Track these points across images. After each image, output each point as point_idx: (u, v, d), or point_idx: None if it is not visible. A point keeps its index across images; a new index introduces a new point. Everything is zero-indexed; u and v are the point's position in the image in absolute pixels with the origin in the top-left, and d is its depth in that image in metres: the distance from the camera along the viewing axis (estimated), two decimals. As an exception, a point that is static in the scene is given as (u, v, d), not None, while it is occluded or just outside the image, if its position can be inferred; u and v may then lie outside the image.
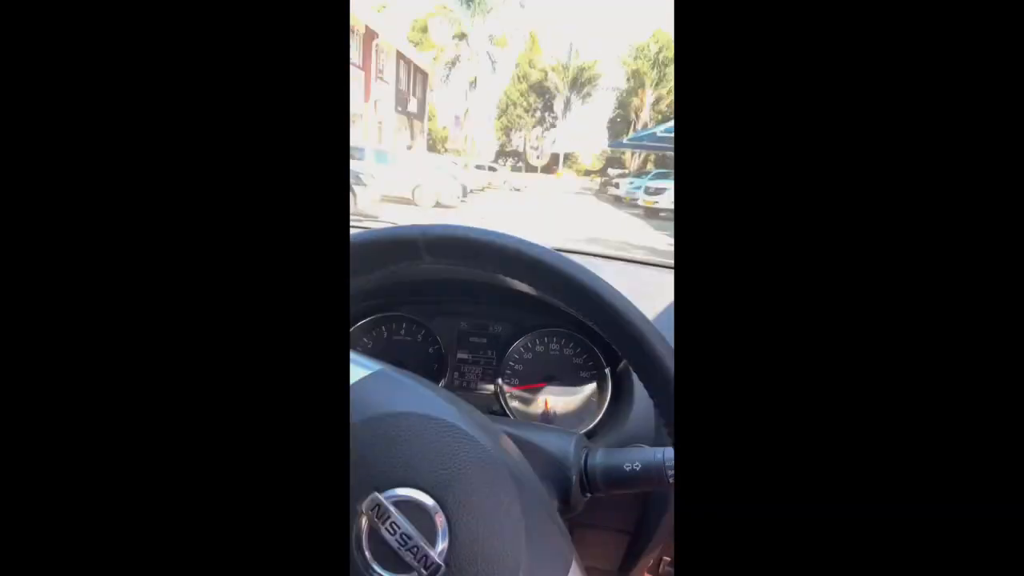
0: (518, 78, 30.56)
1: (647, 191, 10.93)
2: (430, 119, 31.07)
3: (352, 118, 15.40)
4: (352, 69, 15.23)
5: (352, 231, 0.33)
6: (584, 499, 0.36)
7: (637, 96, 26.42)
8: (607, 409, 0.60)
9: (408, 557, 0.26)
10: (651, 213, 10.68)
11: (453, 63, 25.05)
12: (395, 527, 0.26)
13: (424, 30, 25.11)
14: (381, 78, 17.35)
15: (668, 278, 0.72)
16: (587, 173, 30.80)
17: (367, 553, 0.27)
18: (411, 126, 21.52)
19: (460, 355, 0.66)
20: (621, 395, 0.59)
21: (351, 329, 0.64)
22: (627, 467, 0.35)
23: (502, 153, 32.05)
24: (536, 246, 0.33)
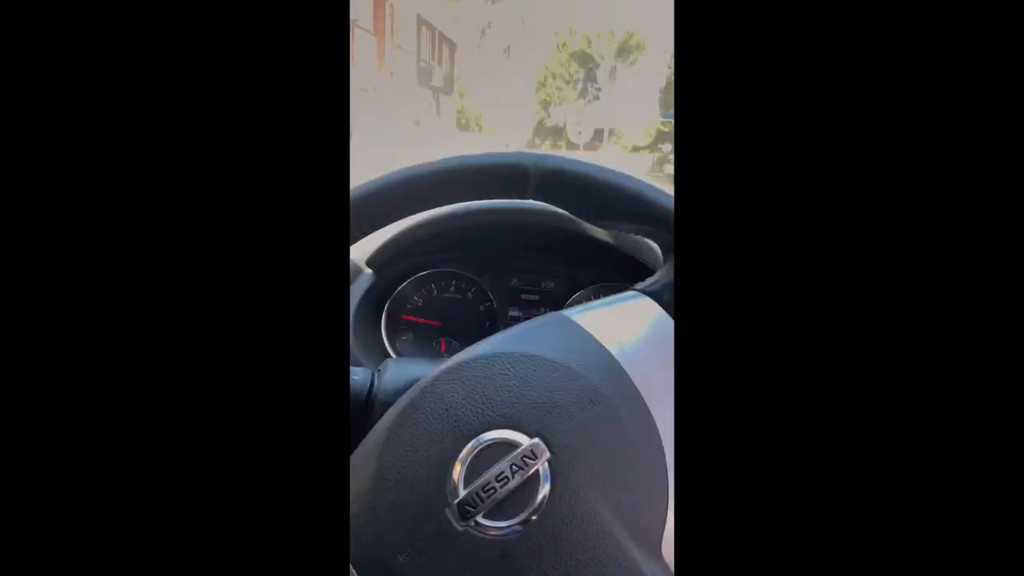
0: (557, 48, 27.75)
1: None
2: (461, 95, 28.84)
3: (360, 91, 13.30)
4: (361, 33, 12.94)
5: (449, 157, 0.33)
6: None
7: (694, 60, 23.24)
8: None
9: (507, 504, 0.25)
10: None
11: (483, 31, 22.49)
12: (495, 474, 0.26)
13: (453, -5, 22.70)
14: (399, 46, 15.03)
15: None
16: (635, 149, 27.76)
17: (465, 499, 0.26)
18: (436, 101, 19.22)
19: (512, 313, 0.65)
20: None
21: (401, 286, 0.63)
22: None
23: (540, 130, 29.42)
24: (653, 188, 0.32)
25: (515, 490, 0.25)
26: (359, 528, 0.26)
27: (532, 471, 0.26)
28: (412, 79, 16.06)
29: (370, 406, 0.34)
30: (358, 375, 0.35)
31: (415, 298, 0.65)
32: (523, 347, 0.29)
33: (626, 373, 0.28)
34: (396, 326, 0.65)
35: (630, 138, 29.19)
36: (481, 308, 0.65)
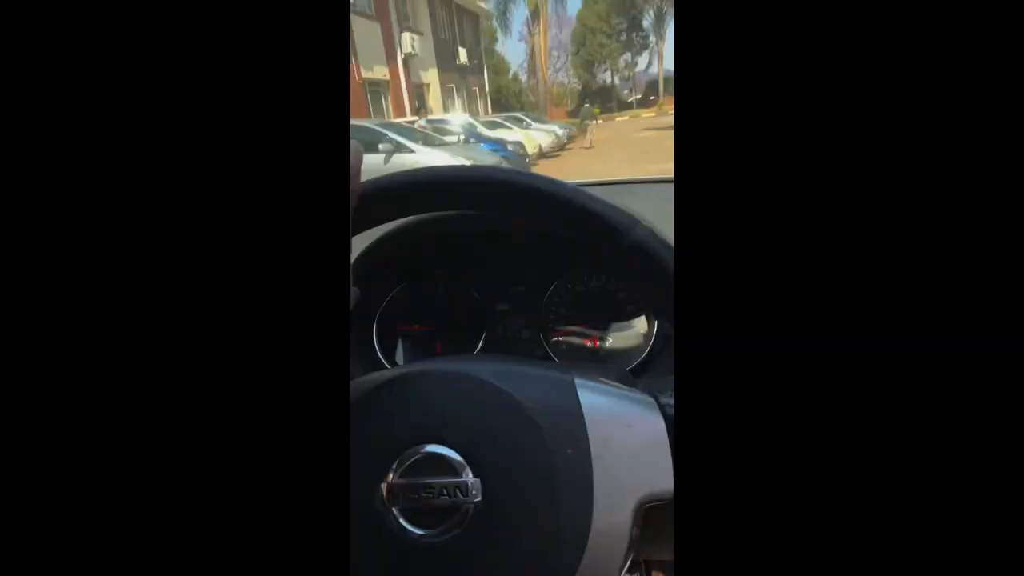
0: (593, -2, 24.88)
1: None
2: (496, 72, 26.74)
3: (374, 85, 11.67)
4: (362, 21, 11.21)
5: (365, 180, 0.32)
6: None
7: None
8: (655, 342, 0.59)
9: (441, 506, 0.27)
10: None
11: (507, -4, 20.19)
12: (423, 485, 0.27)
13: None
14: (410, 29, 13.21)
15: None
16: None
17: (396, 514, 0.27)
18: (466, 84, 17.30)
19: (500, 306, 0.65)
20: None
21: (390, 296, 0.64)
22: (662, 400, 0.33)
23: (587, 93, 26.76)
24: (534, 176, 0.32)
25: (443, 509, 0.27)
26: None
27: (463, 505, 0.27)
28: (431, 61, 14.27)
29: None
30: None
31: (405, 307, 0.64)
32: (505, 383, 0.30)
33: (590, 460, 0.28)
34: (391, 337, 0.64)
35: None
36: (469, 306, 0.64)
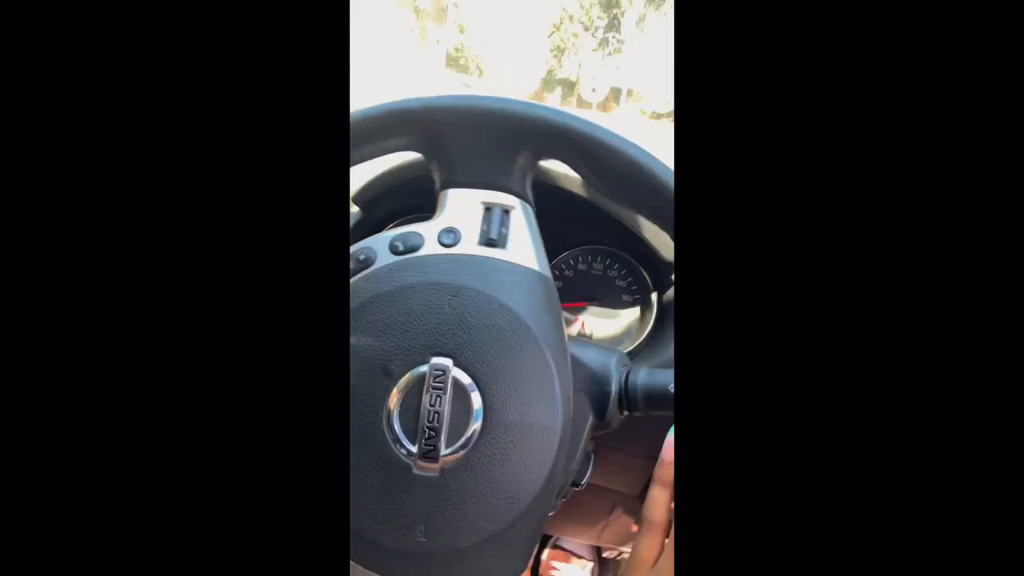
0: (580, -17, 23.47)
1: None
2: (461, 31, 24.69)
3: None
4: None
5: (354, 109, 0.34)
6: (621, 417, 0.35)
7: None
8: (650, 333, 0.57)
9: (443, 435, 0.27)
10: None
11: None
12: (429, 403, 0.28)
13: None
14: (368, -58, 11.12)
15: None
16: (656, 116, 23.95)
17: (396, 428, 0.28)
18: (421, 29, 15.33)
19: None
20: (665, 320, 0.55)
21: (391, 226, 0.62)
22: (670, 388, 0.34)
23: (549, 82, 25.45)
24: (588, 122, 0.32)
25: (451, 414, 0.28)
26: None
27: (450, 388, 0.28)
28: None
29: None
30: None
31: None
32: (442, 277, 0.30)
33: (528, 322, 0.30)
34: None
35: (651, 103, 25.30)
36: None
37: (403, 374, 0.28)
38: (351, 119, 0.33)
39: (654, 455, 0.35)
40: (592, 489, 0.57)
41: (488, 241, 0.33)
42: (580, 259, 0.60)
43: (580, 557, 1.00)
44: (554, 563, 0.99)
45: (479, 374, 0.29)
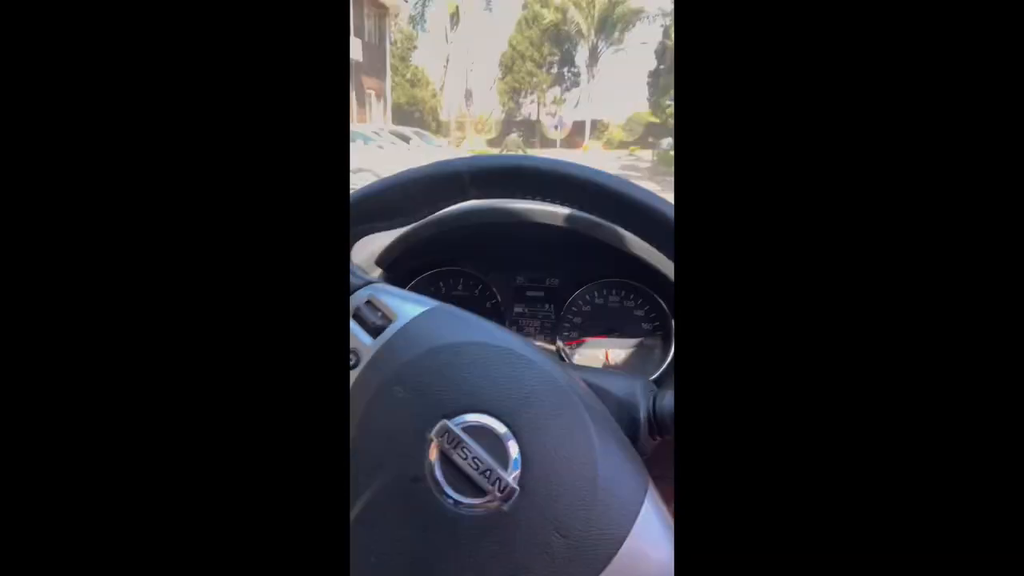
0: (526, 22, 23.00)
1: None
2: (415, 84, 23.95)
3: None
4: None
5: (394, 174, 0.36)
6: (653, 443, 0.35)
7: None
8: (672, 360, 0.59)
9: (482, 481, 0.27)
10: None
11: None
12: (467, 452, 0.27)
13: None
14: None
15: None
16: (622, 144, 23.10)
17: (440, 478, 0.27)
18: (361, 92, 14.20)
19: (517, 309, 0.67)
20: None
21: (409, 286, 0.66)
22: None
23: (512, 124, 24.63)
24: (581, 167, 0.33)
25: (486, 471, 0.27)
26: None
27: (501, 454, 0.27)
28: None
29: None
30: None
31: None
32: (501, 340, 0.31)
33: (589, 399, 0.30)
34: None
35: (613, 131, 24.62)
36: (488, 305, 0.66)
37: (441, 429, 0.28)
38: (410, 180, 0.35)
39: None
40: None
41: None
42: (596, 294, 0.63)
43: None
44: None
45: (514, 424, 0.28)
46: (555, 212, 0.55)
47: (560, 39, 22.98)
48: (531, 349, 0.31)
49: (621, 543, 0.27)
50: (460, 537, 0.27)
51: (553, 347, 0.64)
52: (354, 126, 8.91)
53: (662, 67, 21.91)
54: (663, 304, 0.60)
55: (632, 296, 0.62)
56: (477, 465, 0.27)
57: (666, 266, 0.53)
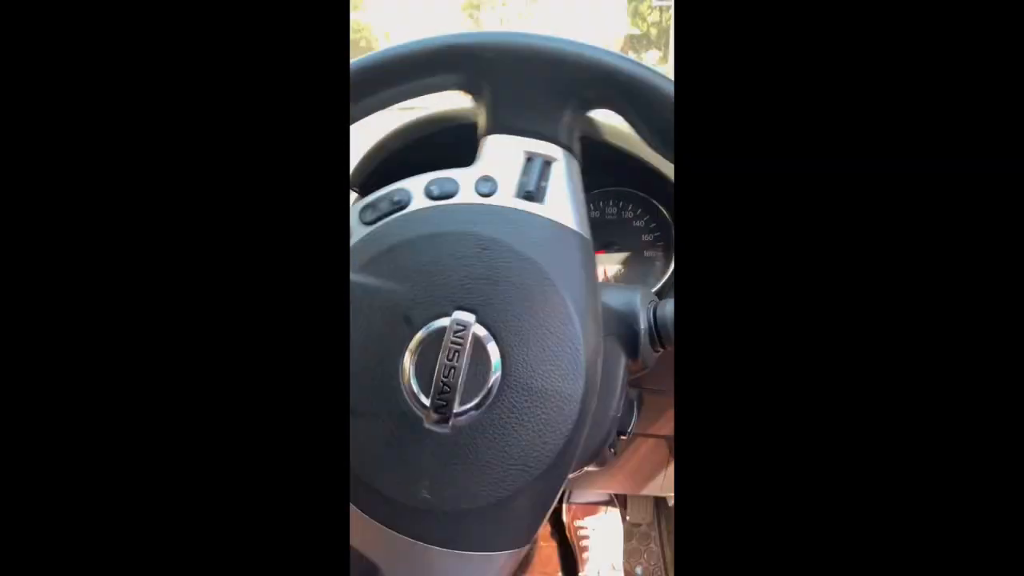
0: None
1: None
2: (354, 7, 20.94)
3: None
4: None
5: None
6: (656, 354, 0.34)
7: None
8: (669, 277, 0.57)
9: (458, 392, 0.27)
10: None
11: None
12: (447, 359, 0.27)
13: None
14: None
15: None
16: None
17: (412, 379, 0.27)
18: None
19: None
20: None
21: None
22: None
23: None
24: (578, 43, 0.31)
25: (468, 371, 0.27)
26: None
27: (469, 345, 0.27)
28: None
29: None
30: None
31: None
32: (458, 226, 0.30)
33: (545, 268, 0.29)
34: None
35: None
36: None
37: (424, 324, 0.28)
38: (394, 54, 0.32)
39: None
40: (646, 440, 0.56)
41: (526, 194, 0.31)
42: (592, 206, 0.58)
43: (604, 504, 0.92)
44: (579, 523, 0.91)
45: (501, 333, 0.28)
46: None
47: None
48: (531, 247, 0.29)
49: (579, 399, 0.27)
50: (420, 440, 0.27)
51: None
52: None
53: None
54: (664, 212, 0.55)
55: (631, 206, 0.58)
56: (450, 375, 0.27)
57: (668, 169, 0.48)
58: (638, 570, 0.97)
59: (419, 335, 0.28)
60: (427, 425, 0.27)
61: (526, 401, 0.27)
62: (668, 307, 0.33)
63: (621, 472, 0.64)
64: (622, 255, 0.58)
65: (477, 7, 21.70)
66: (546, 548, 0.94)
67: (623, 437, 0.34)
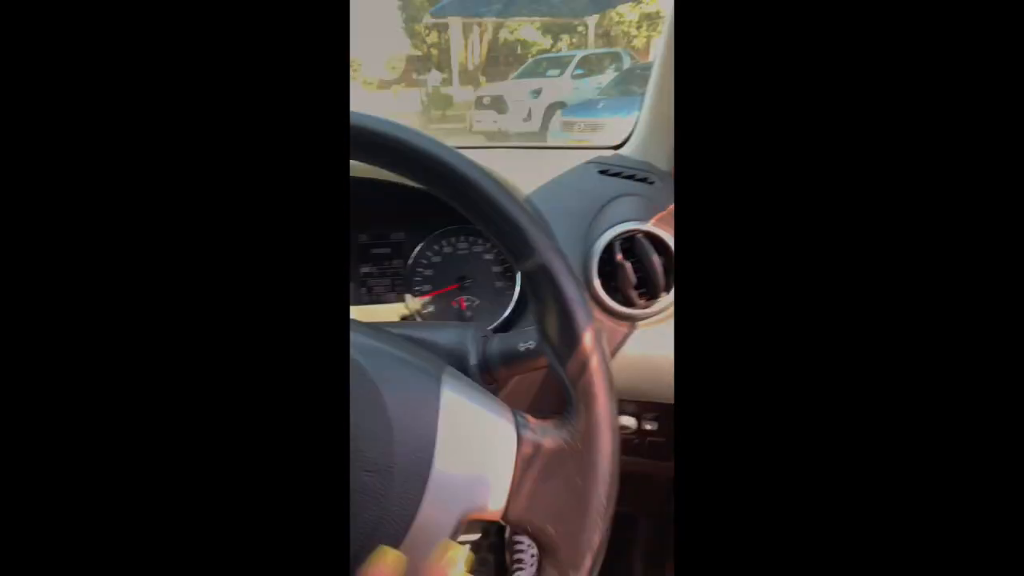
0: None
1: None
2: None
3: None
4: None
5: None
6: (489, 387, 0.36)
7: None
8: (517, 301, 0.61)
9: None
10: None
11: None
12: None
13: None
14: None
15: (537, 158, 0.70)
16: (382, 86, 19.00)
17: None
18: None
19: (364, 269, 0.66)
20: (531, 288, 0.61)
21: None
22: (521, 347, 0.36)
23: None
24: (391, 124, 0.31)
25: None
26: None
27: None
28: None
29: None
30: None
31: None
32: (369, 361, 0.29)
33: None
34: None
35: (371, 70, 20.01)
36: None
37: None
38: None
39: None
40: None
41: None
42: (445, 242, 0.64)
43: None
44: (516, 537, 0.98)
45: None
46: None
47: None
48: None
49: (430, 464, 0.27)
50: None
51: (405, 303, 0.63)
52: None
53: (409, -15, 17.81)
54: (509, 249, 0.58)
55: (480, 240, 0.63)
56: None
57: None
58: None
59: None
60: None
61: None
62: (494, 342, 0.36)
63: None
64: (476, 287, 0.62)
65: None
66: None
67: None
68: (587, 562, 0.28)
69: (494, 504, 0.28)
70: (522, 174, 0.62)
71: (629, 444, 0.60)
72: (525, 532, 0.29)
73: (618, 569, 0.90)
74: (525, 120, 7.67)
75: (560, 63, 8.53)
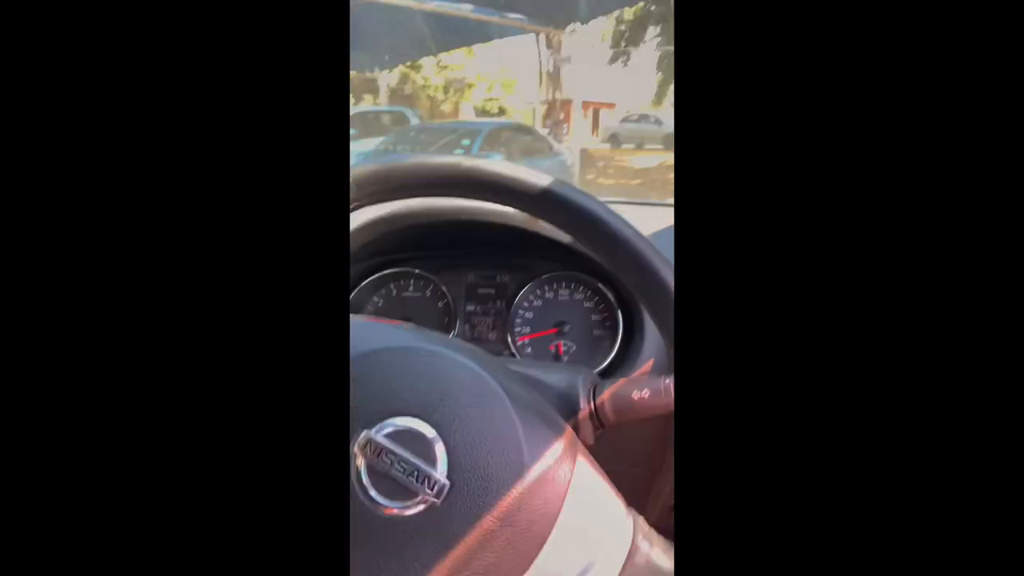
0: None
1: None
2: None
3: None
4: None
5: None
6: (596, 433, 0.35)
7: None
8: (619, 348, 0.61)
9: (410, 483, 0.26)
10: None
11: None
12: (391, 457, 0.27)
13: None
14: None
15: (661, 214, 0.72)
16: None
17: (370, 490, 0.27)
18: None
19: (469, 307, 0.67)
20: (633, 333, 0.60)
21: (359, 287, 0.67)
22: (635, 395, 0.34)
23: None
24: (491, 163, 0.34)
25: (412, 472, 0.26)
26: None
27: (428, 454, 0.27)
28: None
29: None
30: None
31: (374, 299, 0.67)
32: (407, 341, 0.30)
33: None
34: None
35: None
36: (439, 305, 0.67)
37: (363, 440, 0.27)
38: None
39: (640, 463, 0.42)
40: None
41: None
42: (546, 288, 0.64)
43: None
44: None
45: (435, 421, 0.27)
46: (503, 209, 0.48)
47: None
48: (442, 344, 0.30)
49: (555, 519, 0.27)
50: (398, 540, 0.26)
51: (503, 338, 0.64)
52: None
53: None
54: (610, 296, 0.61)
55: (581, 288, 0.63)
56: (403, 468, 0.26)
57: None
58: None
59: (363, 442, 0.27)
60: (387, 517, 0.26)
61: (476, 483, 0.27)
62: (605, 388, 0.34)
63: None
64: (573, 333, 0.62)
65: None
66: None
67: None
68: None
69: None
70: None
71: None
72: None
73: None
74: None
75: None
